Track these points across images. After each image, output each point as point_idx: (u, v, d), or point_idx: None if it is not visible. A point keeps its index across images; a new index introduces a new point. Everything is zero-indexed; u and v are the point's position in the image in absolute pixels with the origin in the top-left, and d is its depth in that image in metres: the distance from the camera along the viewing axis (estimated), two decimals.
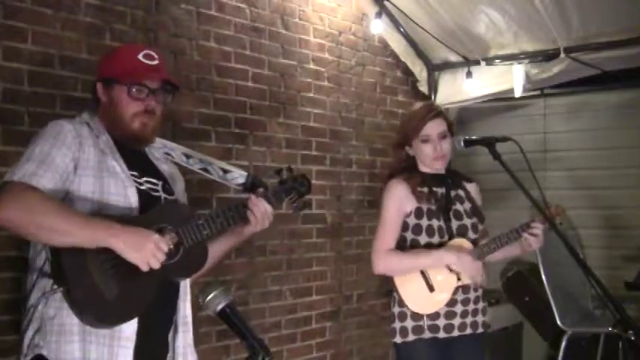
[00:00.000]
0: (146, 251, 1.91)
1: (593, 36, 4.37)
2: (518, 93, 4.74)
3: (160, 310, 2.11)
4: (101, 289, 1.91)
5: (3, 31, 2.87)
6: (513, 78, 4.70)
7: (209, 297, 1.87)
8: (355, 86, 4.73)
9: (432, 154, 2.83)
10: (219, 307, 1.86)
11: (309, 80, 4.38)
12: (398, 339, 2.83)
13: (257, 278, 3.99)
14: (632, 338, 3.61)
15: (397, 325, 2.84)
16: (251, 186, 2.45)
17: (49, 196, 1.93)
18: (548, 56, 4.58)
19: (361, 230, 4.71)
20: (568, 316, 4.49)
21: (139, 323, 2.01)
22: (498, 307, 5.15)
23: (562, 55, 4.48)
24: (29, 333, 1.99)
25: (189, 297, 2.22)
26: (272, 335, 4.04)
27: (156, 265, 1.92)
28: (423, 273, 2.80)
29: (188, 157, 2.48)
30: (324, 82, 4.48)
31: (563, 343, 4.46)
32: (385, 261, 2.83)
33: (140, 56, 2.17)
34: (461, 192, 2.92)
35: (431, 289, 2.79)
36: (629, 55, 4.27)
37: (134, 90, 2.13)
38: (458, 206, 2.88)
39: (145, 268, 1.92)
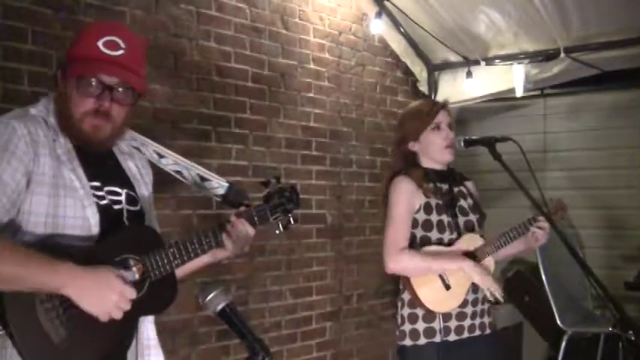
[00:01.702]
0: (108, 303, 1.65)
1: (593, 36, 4.38)
2: (518, 93, 4.74)
3: (122, 345, 1.87)
4: (50, 336, 1.65)
5: (3, 31, 2.87)
6: (513, 78, 4.70)
7: (209, 297, 1.85)
8: (355, 86, 4.73)
9: (443, 142, 2.81)
10: (219, 307, 1.85)
11: (309, 80, 4.38)
12: (408, 342, 2.75)
13: (257, 278, 3.99)
14: (632, 338, 3.61)
15: (407, 327, 2.76)
16: (231, 200, 2.21)
17: None
18: (548, 56, 4.58)
19: (361, 230, 4.71)
20: (568, 316, 4.49)
21: None
22: (498, 307, 5.15)
23: (562, 55, 4.48)
24: None
25: (150, 317, 1.96)
26: (272, 335, 4.04)
27: (118, 316, 1.68)
28: None
29: (161, 156, 2.21)
30: (324, 82, 4.48)
31: (563, 343, 4.46)
32: (399, 260, 2.73)
33: (100, 43, 1.78)
34: (463, 188, 2.92)
35: (447, 287, 2.76)
36: (629, 55, 4.28)
37: (84, 85, 1.77)
38: (462, 202, 2.86)
39: (104, 319, 1.67)
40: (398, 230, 2.76)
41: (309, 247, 4.34)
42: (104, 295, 1.65)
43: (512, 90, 4.75)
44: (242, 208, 2.05)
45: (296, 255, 4.25)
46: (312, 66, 4.40)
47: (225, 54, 3.84)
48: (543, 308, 4.63)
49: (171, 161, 2.24)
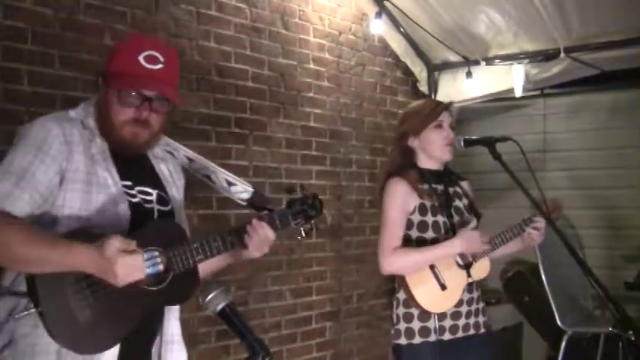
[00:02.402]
0: (121, 268, 1.72)
1: (593, 36, 4.37)
2: (518, 93, 4.74)
3: (145, 333, 1.96)
4: (76, 315, 1.76)
5: (3, 31, 2.87)
6: (513, 78, 4.70)
7: (209, 297, 1.86)
8: (355, 86, 4.73)
9: (444, 141, 2.83)
10: (219, 307, 1.85)
11: (309, 80, 4.38)
12: (403, 340, 2.77)
13: (257, 278, 3.99)
14: (632, 338, 3.61)
15: (402, 326, 2.78)
16: (256, 204, 2.27)
17: (21, 224, 1.76)
18: (548, 56, 4.58)
19: (361, 230, 4.72)
20: (568, 316, 4.49)
21: (121, 348, 1.87)
22: (498, 307, 5.16)
23: (562, 55, 4.48)
24: None
25: (176, 314, 2.06)
26: (272, 335, 4.04)
27: (140, 276, 1.76)
28: (434, 271, 2.78)
29: (191, 160, 2.29)
30: (324, 82, 4.49)
31: (563, 343, 4.46)
32: (393, 260, 2.75)
33: (141, 58, 1.91)
34: (458, 189, 2.94)
35: (443, 287, 2.77)
36: (629, 55, 4.28)
37: (125, 96, 1.90)
38: (457, 202, 2.88)
39: (119, 284, 1.74)
40: (391, 233, 2.78)
41: (309, 247, 4.34)
42: (113, 261, 1.71)
43: (512, 90, 4.75)
44: (265, 212, 2.13)
45: (296, 255, 4.25)
46: (312, 66, 4.40)
47: (225, 54, 3.85)
48: (543, 308, 4.64)
49: (200, 165, 2.32)
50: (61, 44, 3.07)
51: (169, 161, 2.18)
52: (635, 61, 4.32)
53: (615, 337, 4.40)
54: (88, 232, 1.82)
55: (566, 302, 4.58)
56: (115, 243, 1.72)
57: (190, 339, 3.57)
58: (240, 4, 3.94)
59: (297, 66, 4.30)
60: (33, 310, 1.76)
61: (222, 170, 2.34)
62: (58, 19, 3.06)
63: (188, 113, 3.64)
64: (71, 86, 3.09)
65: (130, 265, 1.73)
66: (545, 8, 4.21)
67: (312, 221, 2.17)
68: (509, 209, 3.91)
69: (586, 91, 5.20)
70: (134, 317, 1.85)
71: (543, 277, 4.50)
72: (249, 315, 3.87)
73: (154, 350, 2.01)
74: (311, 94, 4.39)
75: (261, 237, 2.03)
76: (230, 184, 2.33)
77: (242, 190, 2.32)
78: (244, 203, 2.31)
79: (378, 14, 4.60)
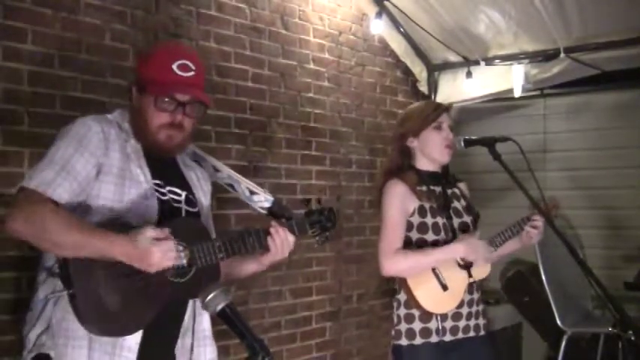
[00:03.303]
0: (154, 254, 1.87)
1: (592, 36, 4.37)
2: (518, 93, 4.74)
3: (166, 324, 2.07)
4: (104, 299, 1.89)
5: (3, 31, 2.87)
6: (513, 78, 4.70)
7: (209, 297, 1.86)
8: (355, 86, 4.73)
9: (443, 142, 2.84)
10: (219, 307, 1.85)
11: (309, 80, 4.38)
12: (404, 341, 2.77)
13: (257, 278, 3.99)
14: (632, 338, 3.61)
15: (403, 326, 2.79)
16: (276, 212, 2.38)
17: (61, 210, 1.91)
18: (548, 56, 4.58)
19: (361, 230, 4.72)
20: (568, 316, 4.49)
21: (144, 335, 1.99)
22: (498, 307, 5.16)
23: (562, 55, 4.48)
24: (36, 331, 1.98)
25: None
26: (272, 335, 4.04)
27: (169, 264, 1.91)
28: (434, 272, 2.78)
29: (217, 170, 2.42)
30: (324, 82, 4.49)
31: (563, 343, 4.46)
32: (394, 262, 2.76)
33: (175, 66, 2.06)
34: (456, 190, 2.95)
35: (444, 288, 2.77)
36: (629, 56, 4.28)
37: (161, 102, 2.06)
38: (456, 204, 2.89)
39: (153, 270, 1.90)
40: (391, 234, 2.79)
41: (308, 247, 4.33)
42: (148, 249, 1.86)
43: (512, 90, 4.75)
44: (284, 219, 2.26)
45: (296, 255, 4.25)
46: (312, 66, 4.40)
47: (225, 54, 3.85)
48: (543, 308, 4.64)
49: (225, 175, 2.44)
50: (61, 44, 3.06)
51: (197, 169, 2.32)
52: (635, 61, 4.32)
53: (615, 337, 4.40)
54: (124, 223, 1.96)
55: (566, 302, 4.58)
56: (149, 232, 1.87)
57: None
58: (240, 4, 3.94)
59: (297, 66, 4.30)
60: (64, 292, 1.88)
61: (245, 180, 2.46)
62: (58, 19, 3.06)
63: None
64: (71, 86, 3.08)
65: (165, 251, 1.88)
66: (545, 8, 4.21)
67: (327, 233, 2.32)
68: (509, 209, 3.91)
69: (586, 92, 5.19)
70: (157, 305, 1.96)
71: (543, 277, 4.50)
72: (249, 315, 3.87)
73: (186, 343, 2.13)
74: (311, 94, 4.39)
75: (283, 239, 2.17)
76: (252, 193, 2.44)
77: (263, 199, 2.43)
78: (265, 212, 2.44)
79: (378, 14, 4.60)
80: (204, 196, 2.27)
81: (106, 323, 1.91)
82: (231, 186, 2.44)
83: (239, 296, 3.82)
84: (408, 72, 5.14)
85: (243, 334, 1.84)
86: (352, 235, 4.66)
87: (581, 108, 5.28)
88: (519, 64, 4.68)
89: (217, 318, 1.84)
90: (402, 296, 2.82)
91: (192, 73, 2.09)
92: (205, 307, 1.87)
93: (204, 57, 3.73)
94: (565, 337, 4.47)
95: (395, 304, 2.86)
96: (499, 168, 2.64)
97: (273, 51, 4.13)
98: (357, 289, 4.69)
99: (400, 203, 2.80)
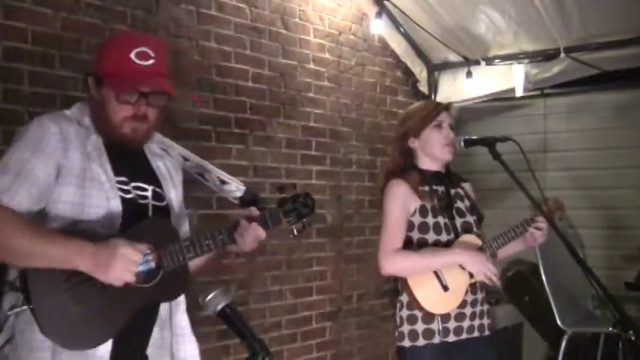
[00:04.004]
0: (116, 269, 1.76)
1: (593, 36, 4.38)
2: (518, 93, 4.74)
3: (137, 330, 1.97)
4: (68, 311, 1.79)
5: (3, 31, 2.87)
6: (513, 78, 4.70)
7: (209, 297, 1.86)
8: (355, 86, 4.73)
9: (444, 140, 2.84)
10: (219, 307, 1.85)
11: (309, 80, 4.38)
12: (407, 342, 2.76)
13: (257, 278, 3.99)
14: (632, 338, 3.61)
15: (406, 328, 2.77)
16: (248, 201, 2.32)
17: (18, 216, 1.80)
18: (548, 56, 4.58)
19: (361, 230, 4.72)
20: (568, 316, 4.49)
21: (114, 343, 1.89)
22: (498, 307, 5.15)
23: (562, 55, 4.49)
24: None
25: (183, 306, 2.10)
26: (272, 335, 4.04)
27: (129, 279, 1.79)
28: (435, 272, 2.77)
29: (186, 159, 2.33)
30: (324, 82, 4.49)
31: (563, 343, 4.46)
32: (394, 262, 2.75)
33: (133, 55, 1.94)
34: (459, 190, 2.93)
35: (445, 288, 2.76)
36: (629, 55, 4.28)
37: (123, 95, 1.94)
38: (459, 204, 2.88)
39: (118, 284, 1.80)
40: (392, 234, 2.77)
41: (309, 247, 4.34)
42: (111, 262, 1.76)
43: (512, 90, 4.75)
44: (258, 212, 2.13)
45: (296, 255, 4.25)
46: (312, 66, 4.40)
47: (225, 54, 3.85)
48: (543, 308, 4.63)
49: (195, 164, 2.35)
50: (61, 44, 3.06)
51: (166, 158, 2.20)
52: (635, 61, 4.33)
53: (615, 337, 4.40)
54: (86, 229, 1.86)
55: (566, 302, 4.58)
56: (122, 247, 1.77)
57: None
58: (240, 4, 3.94)
59: (297, 66, 4.30)
60: (25, 307, 1.78)
61: (216, 169, 2.37)
62: (58, 19, 3.06)
63: (189, 113, 3.64)
64: (71, 86, 3.09)
65: (124, 266, 1.77)
66: (545, 8, 4.21)
67: (305, 220, 2.16)
68: (510, 209, 3.92)
69: (586, 91, 5.19)
70: (125, 314, 1.88)
71: (543, 277, 4.49)
72: (250, 315, 3.87)
73: (166, 337, 2.05)
74: (311, 94, 4.39)
75: (252, 236, 2.05)
76: (223, 182, 2.38)
77: (235, 188, 2.38)
78: (237, 201, 2.33)
79: (378, 14, 4.60)
80: (174, 187, 2.15)
81: (72, 336, 1.81)
82: (201, 175, 2.37)
83: (239, 296, 3.82)
84: (408, 72, 5.14)
85: (244, 334, 1.84)
86: (352, 235, 4.66)
87: (582, 108, 5.28)
88: (519, 63, 4.69)
89: (217, 318, 1.84)
90: (404, 297, 2.81)
91: (152, 61, 1.96)
92: (205, 307, 1.86)
93: (205, 57, 3.74)
94: (565, 337, 4.46)
95: (398, 306, 2.84)
96: (499, 168, 2.63)
97: (273, 51, 4.13)
98: (358, 289, 4.69)
99: (402, 204, 2.79)
